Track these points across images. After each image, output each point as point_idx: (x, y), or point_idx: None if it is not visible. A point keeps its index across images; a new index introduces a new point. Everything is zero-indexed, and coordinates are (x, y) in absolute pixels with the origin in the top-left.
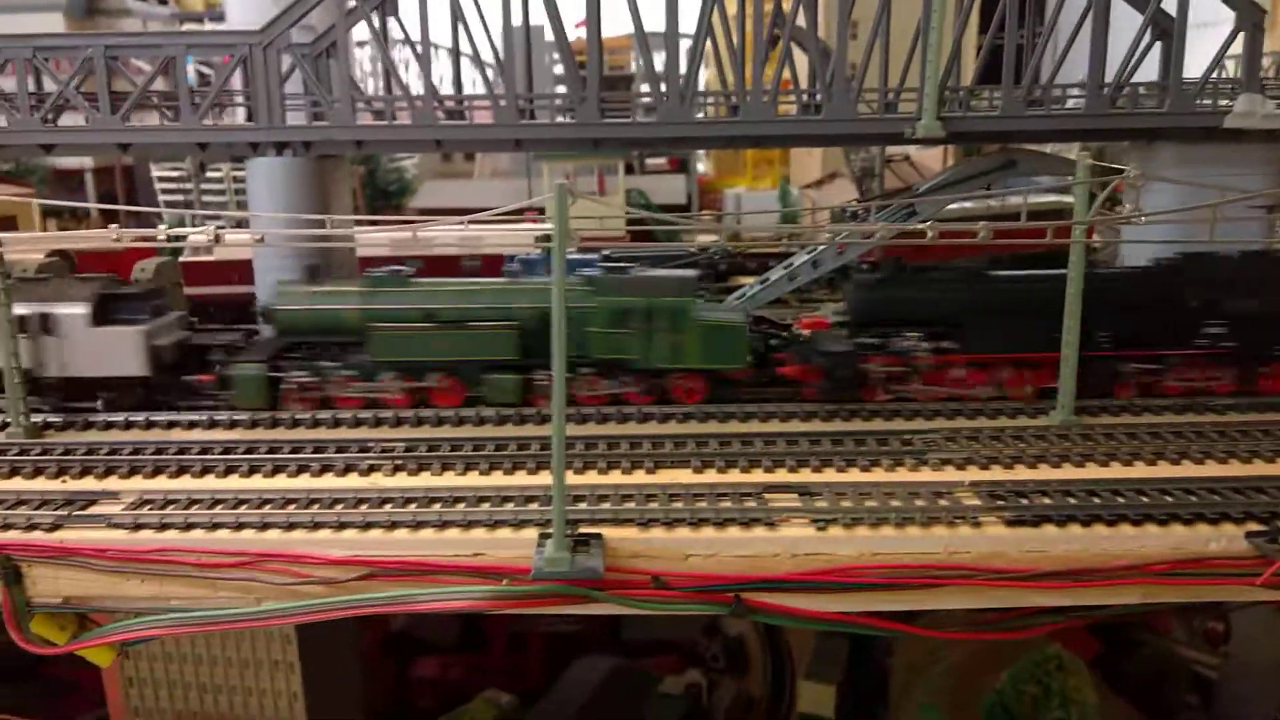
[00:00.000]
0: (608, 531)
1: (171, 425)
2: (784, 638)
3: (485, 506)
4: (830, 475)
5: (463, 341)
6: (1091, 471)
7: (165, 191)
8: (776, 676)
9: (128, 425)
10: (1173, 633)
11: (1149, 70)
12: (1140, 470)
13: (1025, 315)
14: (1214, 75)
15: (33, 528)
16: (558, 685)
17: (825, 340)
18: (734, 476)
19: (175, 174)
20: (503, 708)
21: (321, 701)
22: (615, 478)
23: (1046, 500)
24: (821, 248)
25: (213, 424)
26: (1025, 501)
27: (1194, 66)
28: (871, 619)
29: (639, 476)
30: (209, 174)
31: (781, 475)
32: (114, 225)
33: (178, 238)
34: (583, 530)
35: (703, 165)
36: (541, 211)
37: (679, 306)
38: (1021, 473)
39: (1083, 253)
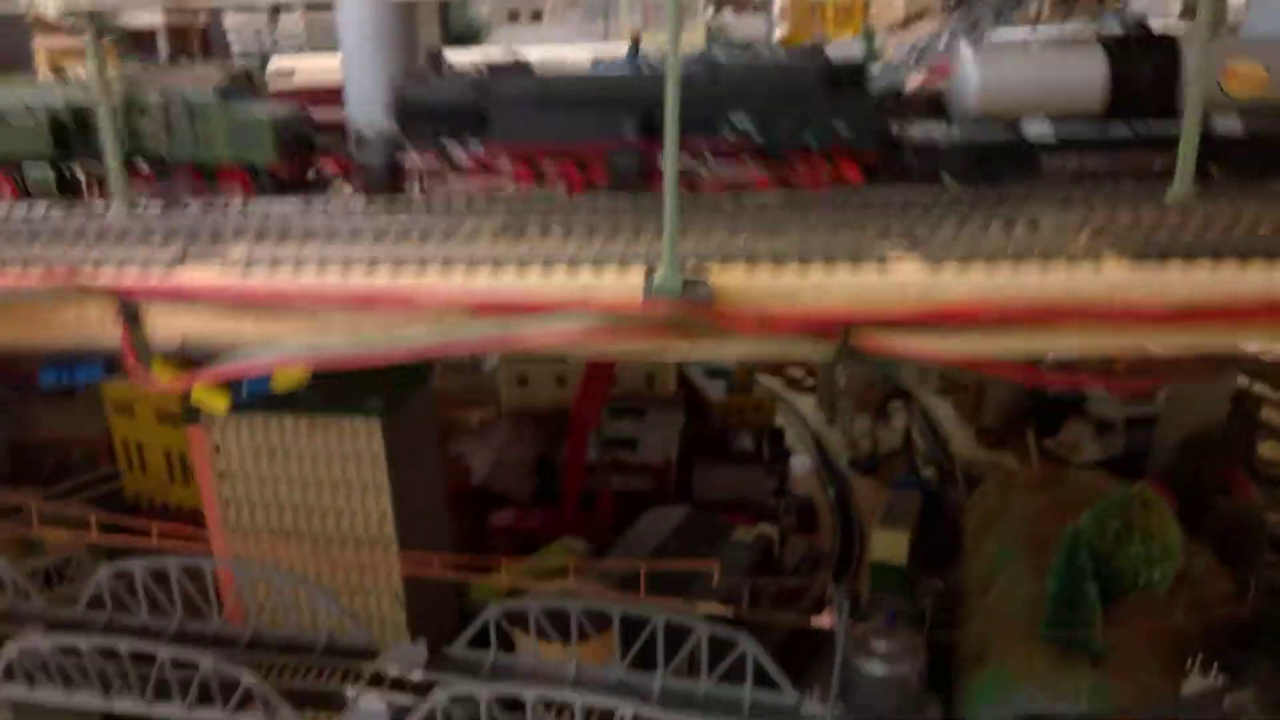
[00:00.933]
0: (715, 270)
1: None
2: (854, 499)
3: (591, 249)
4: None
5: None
6: (1216, 231)
7: (240, 43)
8: (846, 535)
9: (225, 207)
10: (1252, 497)
11: None
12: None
13: (556, 108)
14: None
15: (149, 271)
16: (632, 530)
17: (369, 135)
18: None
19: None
20: (579, 553)
21: (410, 522)
22: (719, 237)
23: (1171, 241)
24: None
25: (307, 207)
26: (1148, 242)
27: None
28: (985, 363)
29: (742, 237)
30: (282, 24)
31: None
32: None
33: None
34: (690, 274)
35: (779, 31)
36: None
37: (201, 100)
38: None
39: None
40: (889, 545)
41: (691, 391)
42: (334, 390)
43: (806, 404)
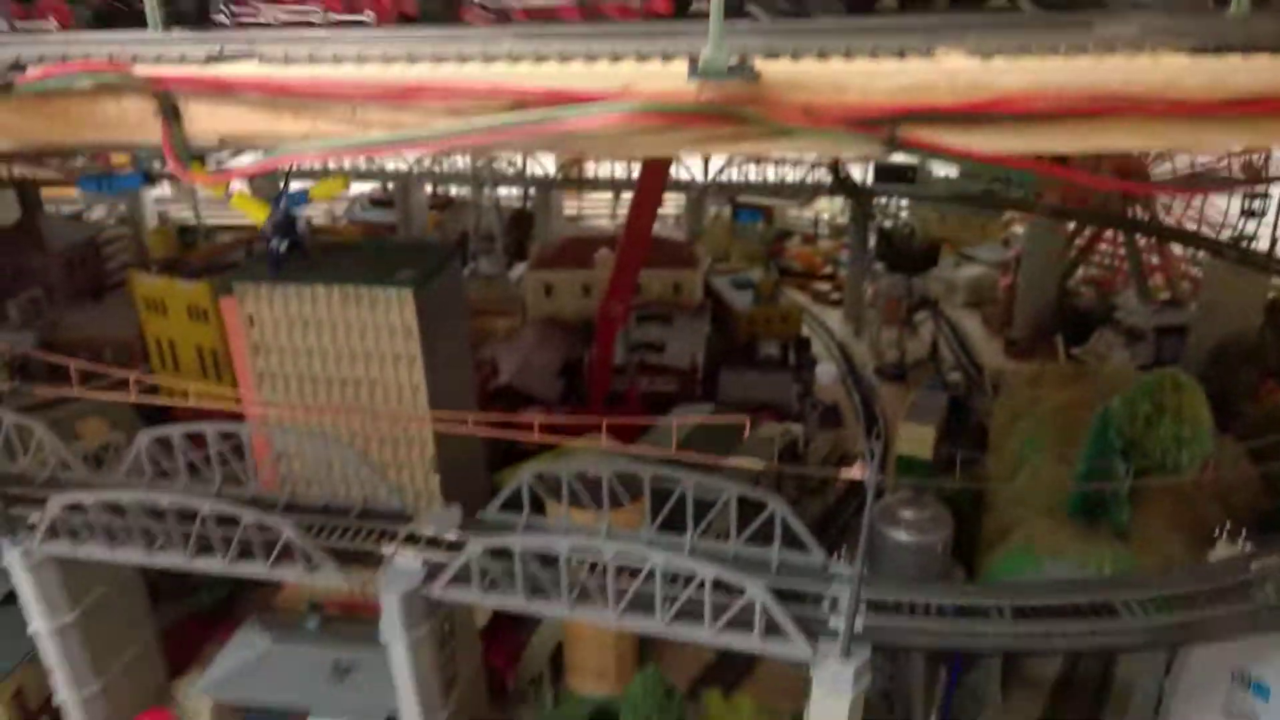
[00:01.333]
0: (760, 63)
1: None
2: (879, 406)
3: (633, 43)
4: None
5: None
6: (1274, 34)
7: None
8: (870, 435)
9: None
10: None
11: None
12: None
13: None
14: None
15: (186, 65)
16: (657, 428)
17: None
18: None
19: None
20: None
21: (442, 396)
22: (766, 37)
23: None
24: None
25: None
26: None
27: None
28: (1030, 163)
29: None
30: None
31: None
32: None
33: None
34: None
35: None
36: None
37: None
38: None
39: None
40: (915, 439)
41: (718, 302)
42: (367, 264)
43: (833, 317)
